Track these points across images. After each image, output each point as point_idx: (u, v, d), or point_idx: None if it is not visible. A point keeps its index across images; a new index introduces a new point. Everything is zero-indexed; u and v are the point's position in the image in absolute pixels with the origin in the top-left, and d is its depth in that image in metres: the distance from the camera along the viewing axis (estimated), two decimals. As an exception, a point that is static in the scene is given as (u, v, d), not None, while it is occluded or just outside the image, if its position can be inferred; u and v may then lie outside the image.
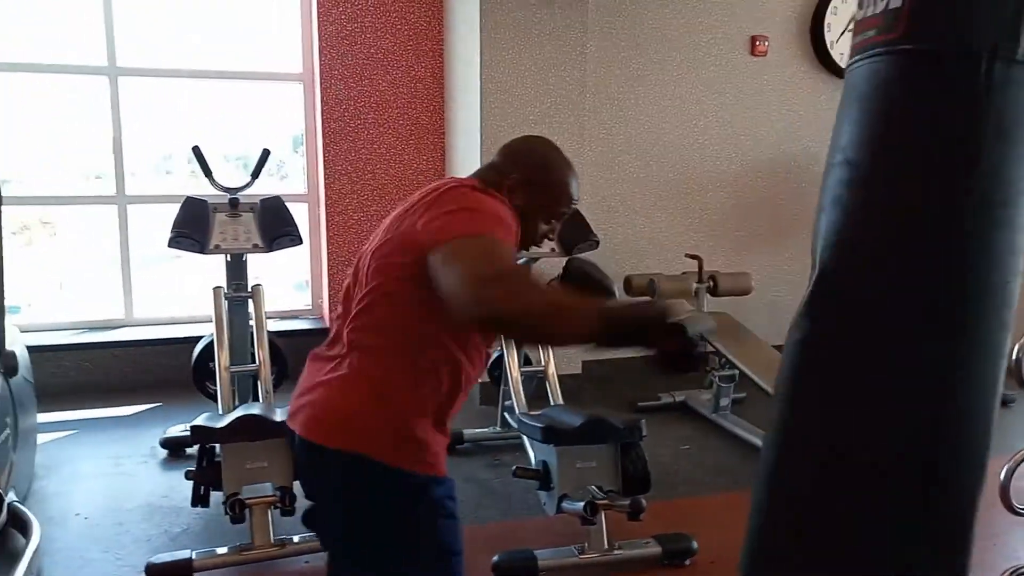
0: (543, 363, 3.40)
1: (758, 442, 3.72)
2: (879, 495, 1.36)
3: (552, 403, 3.30)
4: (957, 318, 1.34)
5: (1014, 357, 1.67)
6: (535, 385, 3.47)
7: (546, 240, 1.65)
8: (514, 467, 2.81)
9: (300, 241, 3.50)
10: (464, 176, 1.57)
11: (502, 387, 3.64)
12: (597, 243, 3.41)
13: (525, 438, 3.11)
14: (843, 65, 4.94)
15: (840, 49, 4.94)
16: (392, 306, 1.43)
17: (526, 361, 3.59)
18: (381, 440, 1.40)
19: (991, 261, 1.39)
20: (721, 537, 2.89)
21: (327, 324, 4.84)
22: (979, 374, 1.37)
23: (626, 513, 2.55)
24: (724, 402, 4.04)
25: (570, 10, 4.16)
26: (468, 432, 3.72)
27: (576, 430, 2.61)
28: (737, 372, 3.87)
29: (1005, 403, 3.80)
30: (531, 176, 1.54)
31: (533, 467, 2.84)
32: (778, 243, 5.06)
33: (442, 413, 1.48)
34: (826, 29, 4.91)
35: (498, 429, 3.74)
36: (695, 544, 2.71)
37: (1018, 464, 1.75)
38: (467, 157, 4.38)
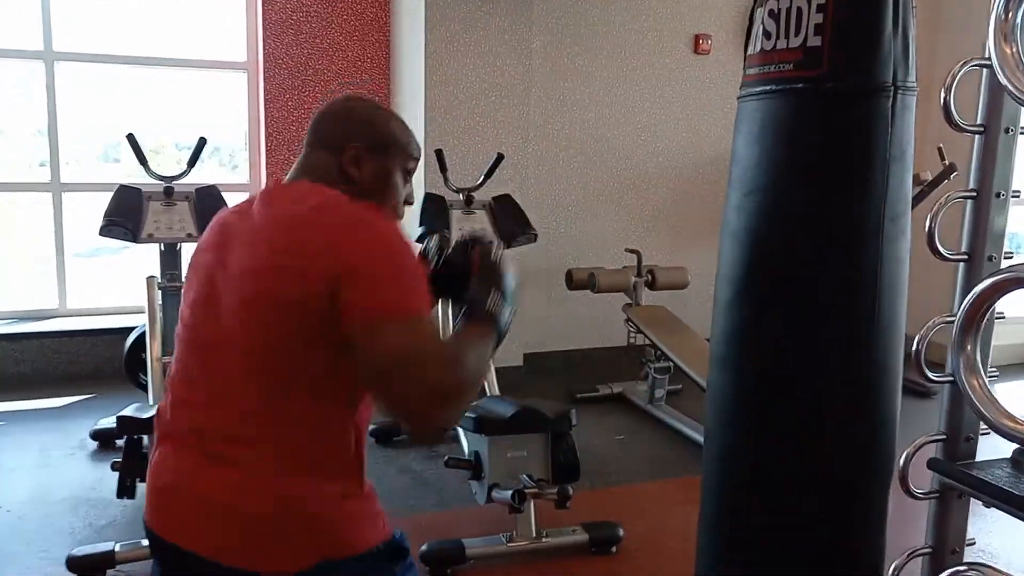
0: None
1: (691, 433, 3.80)
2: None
3: (488, 395, 3.33)
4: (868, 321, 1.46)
5: (915, 348, 1.75)
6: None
7: (404, 204, 1.44)
8: (446, 458, 2.83)
9: (235, 231, 3.47)
10: (293, 178, 1.35)
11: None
12: (535, 236, 3.44)
13: (459, 429, 3.13)
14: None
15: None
16: (290, 379, 1.19)
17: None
18: (334, 532, 1.22)
19: (897, 266, 1.51)
20: (648, 525, 2.97)
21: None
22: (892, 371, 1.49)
23: (554, 501, 2.59)
24: (659, 393, 4.11)
25: (516, 4, 4.19)
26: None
27: (508, 420, 2.64)
28: (672, 364, 3.95)
29: (928, 395, 3.94)
30: (370, 139, 1.35)
31: (466, 457, 2.86)
32: (714, 239, 5.11)
33: (360, 466, 1.32)
34: (766, 29, 5.00)
35: (436, 421, 3.75)
36: (621, 531, 2.77)
37: (916, 450, 1.82)
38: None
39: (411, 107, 4.37)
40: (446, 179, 3.42)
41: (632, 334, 4.28)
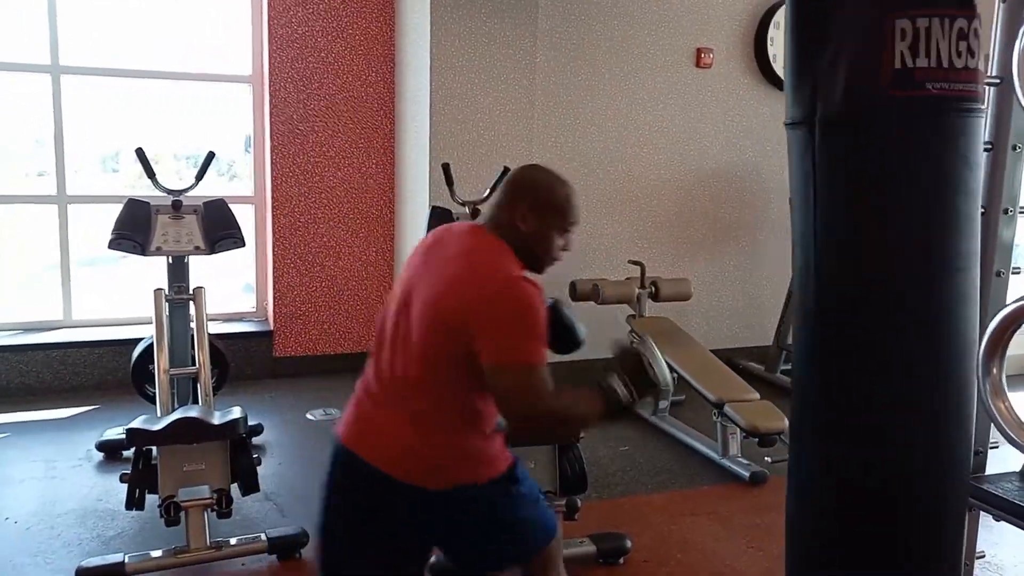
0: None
1: (695, 443, 3.81)
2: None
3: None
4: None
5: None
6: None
7: (558, 254, 1.86)
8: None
9: (243, 243, 3.49)
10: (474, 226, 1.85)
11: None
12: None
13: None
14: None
15: (783, 63, 5.07)
16: (447, 369, 1.70)
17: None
18: (469, 467, 1.77)
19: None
20: (655, 536, 2.98)
21: (271, 326, 4.81)
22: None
23: (562, 513, 2.60)
24: (663, 404, 4.12)
25: (520, 19, 4.22)
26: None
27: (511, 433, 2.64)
28: (676, 376, 3.95)
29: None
30: (537, 201, 1.79)
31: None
32: (717, 251, 5.17)
33: (488, 425, 1.80)
34: (769, 43, 5.04)
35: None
36: (629, 543, 2.78)
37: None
38: (417, 162, 4.41)
39: (416, 121, 4.39)
40: (452, 192, 3.44)
41: (635, 345, 4.28)
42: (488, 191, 3.50)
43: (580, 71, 4.72)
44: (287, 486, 3.31)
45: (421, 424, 1.73)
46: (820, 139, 1.43)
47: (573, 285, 4.28)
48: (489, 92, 4.22)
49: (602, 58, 4.76)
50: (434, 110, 4.15)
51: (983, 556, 1.93)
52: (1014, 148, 1.80)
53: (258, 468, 2.72)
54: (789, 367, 4.88)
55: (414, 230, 4.50)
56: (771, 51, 5.06)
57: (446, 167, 3.39)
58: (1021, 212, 1.81)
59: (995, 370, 0.81)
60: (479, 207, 3.46)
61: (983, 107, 1.39)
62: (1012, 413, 0.99)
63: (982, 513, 1.89)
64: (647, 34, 4.83)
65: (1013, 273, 1.81)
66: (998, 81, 1.73)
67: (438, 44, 4.11)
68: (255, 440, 3.60)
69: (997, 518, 1.84)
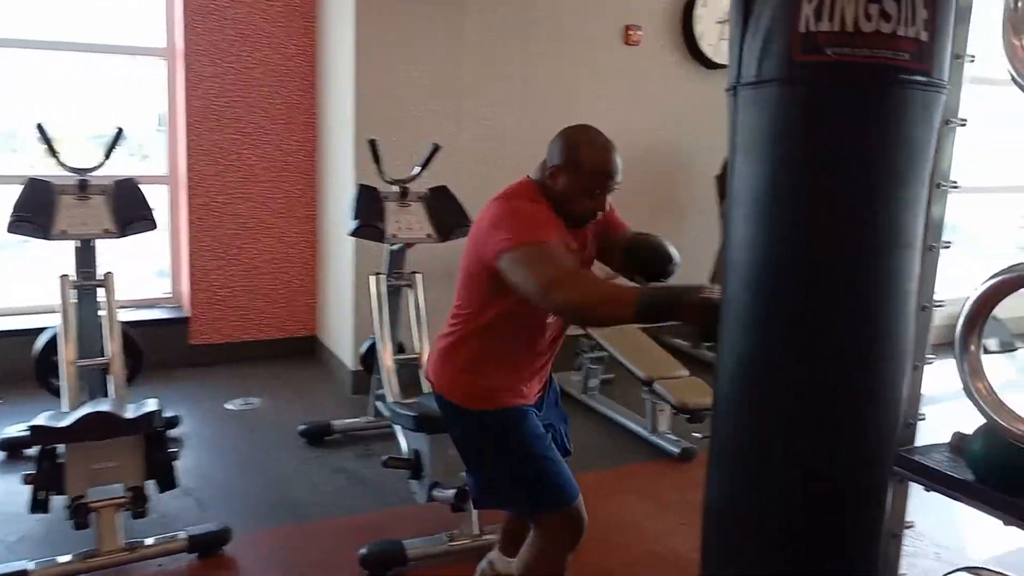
0: (419, 350, 3.35)
1: (625, 422, 3.81)
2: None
3: (425, 391, 3.25)
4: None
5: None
6: (408, 373, 3.41)
7: (590, 214, 1.95)
8: (384, 457, 2.75)
9: (155, 226, 3.28)
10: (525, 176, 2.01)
11: (374, 376, 3.57)
12: (471, 228, 3.37)
13: (397, 427, 3.05)
14: (712, 57, 5.13)
15: (708, 41, 5.08)
16: (469, 286, 1.95)
17: (399, 349, 3.53)
18: (455, 388, 2.01)
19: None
20: (590, 515, 2.93)
21: (187, 312, 4.60)
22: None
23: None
24: (593, 383, 4.11)
25: (445, -10, 4.10)
26: (338, 423, 3.62)
27: (447, 418, 2.57)
28: (606, 354, 3.94)
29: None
30: (565, 161, 1.90)
31: (404, 456, 2.78)
32: (646, 229, 5.15)
33: (508, 359, 1.98)
34: (696, 21, 5.03)
35: (370, 419, 3.66)
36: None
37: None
38: (341, 138, 4.25)
39: (340, 96, 4.23)
40: (380, 170, 3.31)
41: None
42: (419, 168, 3.40)
43: (510, 47, 4.62)
44: (208, 480, 3.16)
45: (444, 340, 2.04)
46: (739, 107, 1.39)
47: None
48: (416, 66, 4.09)
49: (532, 34, 4.66)
50: (359, 85, 4.01)
51: (912, 526, 1.94)
52: (946, 123, 1.80)
53: (176, 463, 2.57)
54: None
55: (338, 210, 4.35)
56: (698, 29, 5.05)
57: (373, 143, 3.27)
58: (952, 187, 1.81)
59: (973, 347, 0.78)
60: (408, 186, 3.36)
61: (919, 78, 1.32)
62: (992, 394, 0.95)
63: (912, 484, 1.91)
64: (576, 10, 4.75)
65: (943, 247, 1.83)
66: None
67: (362, 17, 3.96)
68: (172, 433, 3.44)
69: (928, 488, 1.85)
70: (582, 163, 1.89)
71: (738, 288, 1.47)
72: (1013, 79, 1.44)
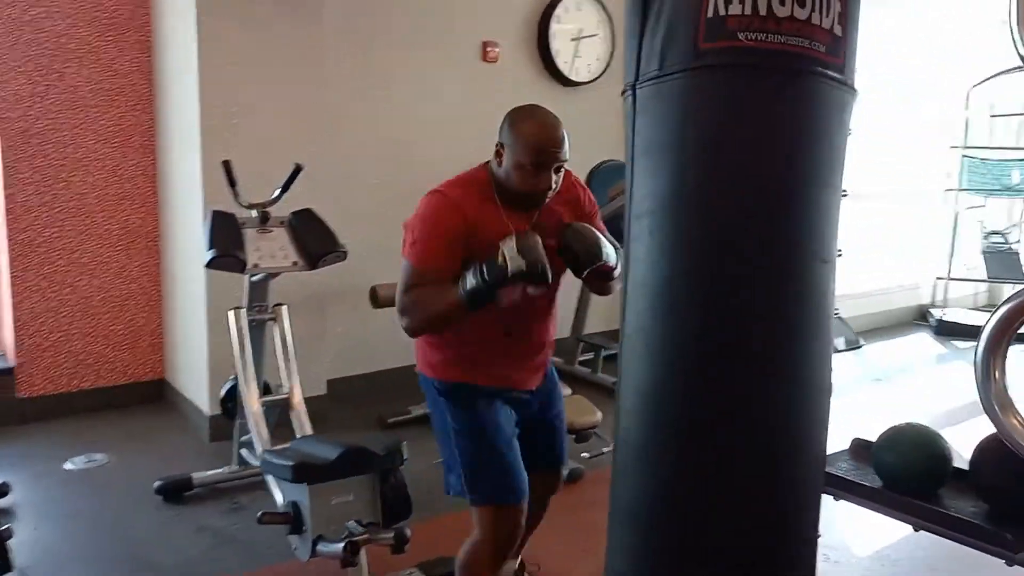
0: (288, 389, 3.08)
1: (513, 448, 3.69)
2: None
3: (298, 434, 3.00)
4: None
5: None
6: (278, 413, 3.14)
7: (532, 190, 1.94)
8: (259, 513, 2.48)
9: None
10: None
11: (237, 421, 3.26)
12: (345, 254, 3.15)
13: (270, 478, 2.78)
14: (568, 75, 5.16)
15: (564, 58, 5.12)
16: None
17: (265, 390, 3.25)
18: (420, 359, 2.16)
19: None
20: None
21: (12, 362, 4.07)
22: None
23: (390, 546, 2.35)
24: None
25: (301, 3, 3.86)
26: (199, 476, 3.26)
27: (332, 464, 2.35)
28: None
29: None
30: (505, 137, 1.94)
31: (281, 510, 2.52)
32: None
33: (469, 340, 2.02)
34: (551, 38, 5.05)
35: (235, 468, 3.34)
36: (462, 566, 2.58)
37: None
38: (186, 161, 3.89)
39: (183, 116, 3.89)
40: (236, 193, 3.04)
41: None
42: (279, 191, 3.15)
43: (370, 65, 4.44)
44: (50, 554, 2.76)
45: None
46: (637, 107, 1.30)
47: (374, 291, 4.00)
48: (270, 82, 3.83)
49: (392, 49, 4.51)
50: (205, 105, 3.69)
51: (820, 536, 1.93)
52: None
53: (9, 541, 2.20)
54: (588, 358, 4.95)
55: (186, 239, 4.00)
56: (554, 46, 5.07)
57: (227, 165, 2.99)
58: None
59: (998, 373, 0.71)
60: (268, 210, 3.10)
61: (834, 73, 1.26)
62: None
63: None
64: (434, 26, 4.64)
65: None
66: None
67: (206, 29, 3.65)
68: (1, 503, 2.99)
69: (837, 497, 1.85)
70: (519, 137, 1.90)
71: (643, 310, 1.37)
72: None
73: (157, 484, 3.19)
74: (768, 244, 1.30)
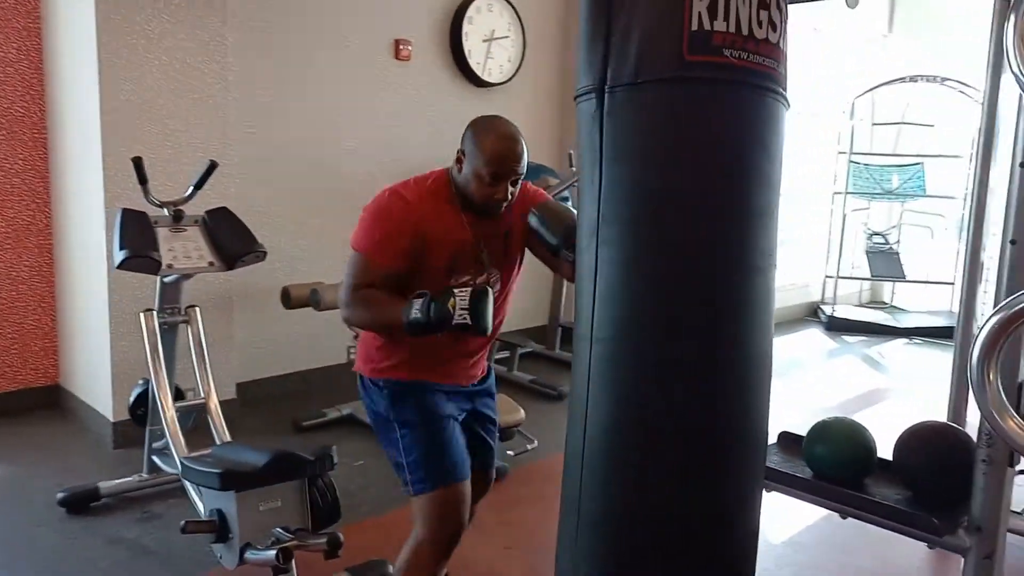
0: (204, 394, 2.97)
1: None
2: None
3: (217, 440, 2.89)
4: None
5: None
6: (194, 418, 3.02)
7: (490, 201, 1.96)
8: (182, 522, 2.37)
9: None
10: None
11: (149, 427, 3.12)
12: (264, 254, 3.04)
13: (190, 485, 2.67)
14: (481, 75, 5.18)
15: (476, 59, 5.13)
16: None
17: (178, 394, 3.11)
18: (361, 361, 2.15)
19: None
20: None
21: None
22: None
23: (323, 552, 2.29)
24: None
25: (203, -2, 3.71)
26: (106, 485, 3.10)
27: (261, 471, 2.27)
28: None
29: (560, 397, 4.22)
30: (465, 147, 1.95)
31: (205, 518, 2.43)
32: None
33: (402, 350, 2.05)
34: (464, 38, 5.05)
35: (145, 477, 3.19)
36: (391, 567, 2.55)
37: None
38: (85, 156, 3.68)
39: (81, 109, 3.68)
40: (146, 191, 2.90)
41: (352, 350, 4.06)
42: (192, 188, 3.03)
43: (278, 60, 4.32)
44: (-59, 577, 2.56)
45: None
46: (608, 109, 1.30)
47: (286, 291, 3.90)
48: (174, 80, 3.66)
49: (299, 46, 4.40)
50: (105, 98, 3.50)
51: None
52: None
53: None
54: (504, 356, 4.98)
55: (83, 238, 3.78)
56: (467, 46, 5.08)
57: (138, 161, 2.85)
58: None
59: (992, 378, 0.75)
60: (181, 208, 2.98)
61: (781, 90, 1.35)
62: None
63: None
64: (345, 22, 4.57)
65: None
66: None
67: (104, 17, 3.46)
68: None
69: (768, 489, 1.93)
70: (479, 149, 1.91)
71: (615, 318, 1.38)
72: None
73: (60, 496, 3.01)
74: (745, 246, 1.36)
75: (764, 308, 1.39)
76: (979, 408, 0.77)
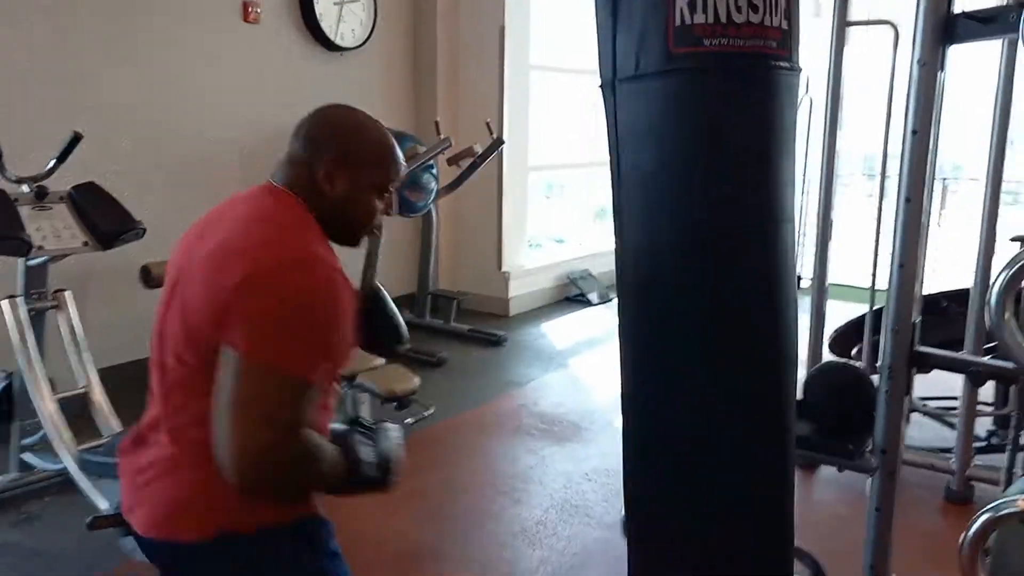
0: (84, 382, 2.77)
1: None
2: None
3: (104, 430, 2.73)
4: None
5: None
6: (74, 412, 2.81)
7: (374, 220, 1.44)
8: (89, 519, 2.24)
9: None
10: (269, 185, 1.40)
11: (17, 422, 2.87)
12: (143, 231, 2.87)
13: (85, 479, 2.51)
14: (333, 39, 5.04)
15: (328, 22, 4.99)
16: (193, 349, 1.28)
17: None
18: (229, 511, 1.28)
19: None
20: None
21: None
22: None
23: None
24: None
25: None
26: (-29, 488, 2.84)
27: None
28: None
29: (500, 343, 4.35)
30: (347, 150, 1.37)
31: (113, 511, 2.30)
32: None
33: None
34: (315, 2, 4.89)
35: (14, 476, 2.93)
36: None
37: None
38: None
39: None
40: (2, 167, 2.63)
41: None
42: (54, 162, 2.79)
43: (125, 26, 3.99)
44: None
45: (168, 454, 1.31)
46: (619, 103, 1.44)
47: (147, 269, 3.65)
48: (13, 48, 3.32)
49: (148, 11, 4.09)
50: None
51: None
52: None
53: None
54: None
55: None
56: (318, 9, 4.92)
57: (-10, 136, 2.59)
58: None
59: (1007, 316, 0.89)
60: (44, 184, 2.74)
61: (784, 64, 1.44)
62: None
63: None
64: (188, -19, 4.29)
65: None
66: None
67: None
68: None
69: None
70: (369, 151, 1.39)
71: (642, 273, 1.50)
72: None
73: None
74: (742, 208, 1.50)
75: (783, 258, 1.55)
76: (998, 339, 0.94)
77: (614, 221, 1.53)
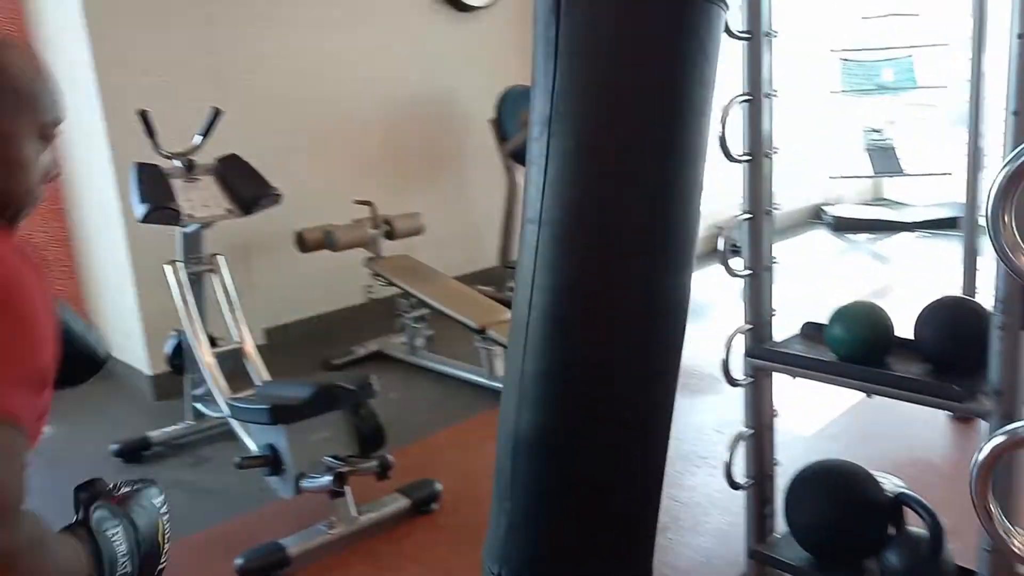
0: (238, 338, 3.06)
1: (459, 373, 3.80)
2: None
3: (257, 382, 3.00)
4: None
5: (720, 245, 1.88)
6: (230, 364, 3.12)
7: (42, 182, 1.05)
8: (238, 459, 2.50)
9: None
10: None
11: (188, 375, 3.22)
12: (279, 196, 3.10)
13: (237, 424, 2.79)
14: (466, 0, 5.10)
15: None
16: None
17: (210, 342, 3.21)
18: None
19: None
20: (455, 472, 2.91)
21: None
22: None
23: (375, 474, 2.43)
24: (419, 342, 4.04)
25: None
26: (156, 434, 3.23)
27: (307, 403, 2.38)
28: (428, 311, 3.89)
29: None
30: None
31: (258, 453, 2.55)
32: (433, 180, 5.11)
33: None
34: (447, -38, 4.96)
35: (190, 423, 3.31)
36: (439, 486, 2.69)
37: (732, 338, 1.97)
38: (84, 112, 3.66)
39: (74, 69, 3.67)
40: (156, 144, 2.93)
41: (370, 288, 4.13)
42: (200, 137, 3.06)
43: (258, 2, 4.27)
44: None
45: None
46: (565, 5, 1.42)
47: (300, 236, 3.97)
48: (160, 32, 3.65)
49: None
50: (98, 54, 3.49)
51: (777, 414, 2.12)
52: (766, 35, 1.92)
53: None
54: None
55: (94, 197, 3.83)
56: (448, -29, 4.99)
57: (145, 115, 2.87)
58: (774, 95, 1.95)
59: (1007, 219, 0.80)
60: (192, 158, 3.02)
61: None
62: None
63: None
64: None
65: (773, 154, 1.97)
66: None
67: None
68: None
69: (794, 375, 2.02)
70: (25, 88, 1.01)
71: (554, 207, 1.49)
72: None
73: (114, 447, 3.14)
74: (662, 143, 1.49)
75: (695, 196, 1.56)
76: (994, 248, 0.84)
77: (537, 135, 1.54)
